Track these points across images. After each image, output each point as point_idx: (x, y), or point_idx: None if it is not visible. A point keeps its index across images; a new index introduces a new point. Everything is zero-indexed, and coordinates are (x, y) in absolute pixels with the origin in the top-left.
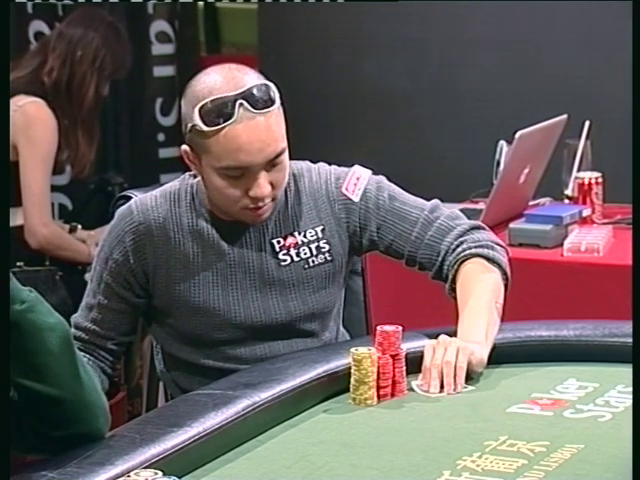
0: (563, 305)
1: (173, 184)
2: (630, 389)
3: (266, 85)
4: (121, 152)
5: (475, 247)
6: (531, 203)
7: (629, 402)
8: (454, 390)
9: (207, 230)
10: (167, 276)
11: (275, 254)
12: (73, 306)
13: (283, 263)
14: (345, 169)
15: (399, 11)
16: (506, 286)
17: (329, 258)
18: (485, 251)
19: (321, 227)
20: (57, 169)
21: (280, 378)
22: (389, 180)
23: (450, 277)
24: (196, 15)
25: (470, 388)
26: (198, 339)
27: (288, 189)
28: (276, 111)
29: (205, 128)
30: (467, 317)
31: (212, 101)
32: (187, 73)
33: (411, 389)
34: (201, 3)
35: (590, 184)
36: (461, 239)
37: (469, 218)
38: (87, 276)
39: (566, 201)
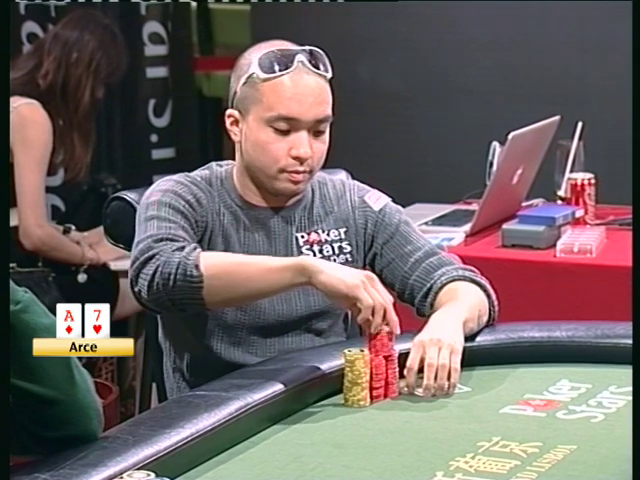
0: (556, 306)
1: (201, 172)
2: (623, 390)
3: (326, 54)
4: (114, 153)
5: (472, 276)
6: (524, 204)
7: (621, 403)
8: (447, 392)
9: (238, 215)
10: (211, 246)
11: (299, 247)
12: None
13: None
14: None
15: (392, 12)
16: (490, 322)
17: (350, 259)
18: (480, 281)
19: (344, 229)
20: (51, 171)
21: (273, 379)
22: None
23: (436, 289)
24: (189, 16)
25: (463, 389)
26: (223, 325)
27: (313, 192)
28: (327, 80)
29: (263, 75)
30: (445, 307)
31: (272, 52)
32: (180, 74)
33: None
34: (194, 4)
35: (583, 185)
36: (459, 268)
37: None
38: (80, 277)
39: (559, 202)
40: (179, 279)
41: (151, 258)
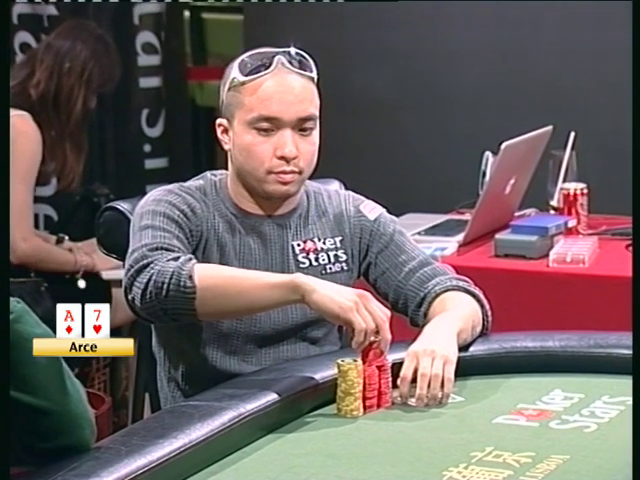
0: (549, 316)
1: (195, 182)
2: (615, 400)
3: (306, 54)
4: (107, 163)
5: (466, 286)
6: (517, 214)
7: (614, 413)
8: (440, 402)
9: (234, 223)
10: (207, 255)
11: (295, 255)
12: None
13: (302, 265)
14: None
15: (385, 22)
16: (483, 332)
17: (345, 268)
18: (474, 291)
19: (340, 238)
20: (42, 180)
21: (266, 389)
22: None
23: (429, 299)
24: (182, 26)
25: (456, 399)
26: (219, 334)
27: (308, 200)
28: (312, 80)
29: (242, 78)
30: (439, 317)
31: (252, 55)
32: (173, 84)
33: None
34: (187, 14)
35: (575, 195)
36: (452, 278)
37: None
38: (80, 283)
39: (552, 212)
40: (172, 289)
41: (145, 267)
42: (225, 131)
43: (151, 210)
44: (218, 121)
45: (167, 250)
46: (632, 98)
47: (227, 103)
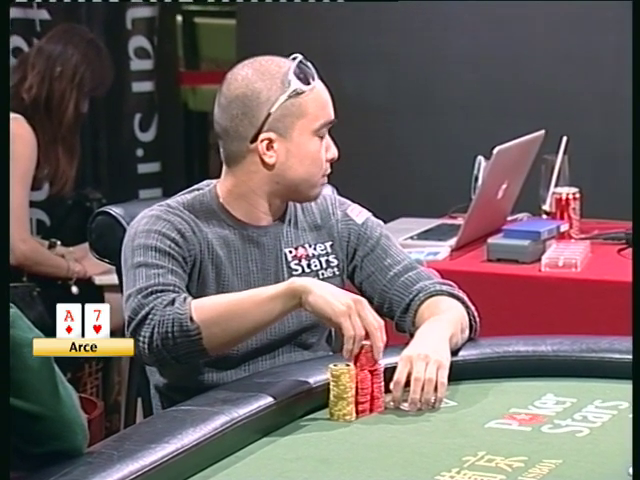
0: (541, 320)
1: (183, 199)
2: (607, 404)
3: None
4: (99, 168)
5: (450, 290)
6: (509, 218)
7: (606, 417)
8: (433, 406)
9: (230, 235)
10: (203, 275)
11: (287, 263)
12: (51, 322)
13: (295, 272)
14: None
15: (378, 26)
16: (472, 335)
17: (337, 272)
18: (459, 294)
19: (330, 243)
20: (35, 185)
21: (258, 394)
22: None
23: (415, 306)
24: (175, 31)
25: (449, 403)
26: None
27: (295, 207)
28: None
29: (305, 87)
30: (430, 322)
31: (300, 62)
32: (166, 89)
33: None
34: (180, 19)
35: (568, 199)
36: (436, 283)
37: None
38: (74, 289)
39: (544, 216)
40: (177, 336)
41: (145, 319)
42: (270, 144)
43: (142, 244)
44: (262, 136)
45: (162, 292)
46: (632, 99)
47: (281, 115)
